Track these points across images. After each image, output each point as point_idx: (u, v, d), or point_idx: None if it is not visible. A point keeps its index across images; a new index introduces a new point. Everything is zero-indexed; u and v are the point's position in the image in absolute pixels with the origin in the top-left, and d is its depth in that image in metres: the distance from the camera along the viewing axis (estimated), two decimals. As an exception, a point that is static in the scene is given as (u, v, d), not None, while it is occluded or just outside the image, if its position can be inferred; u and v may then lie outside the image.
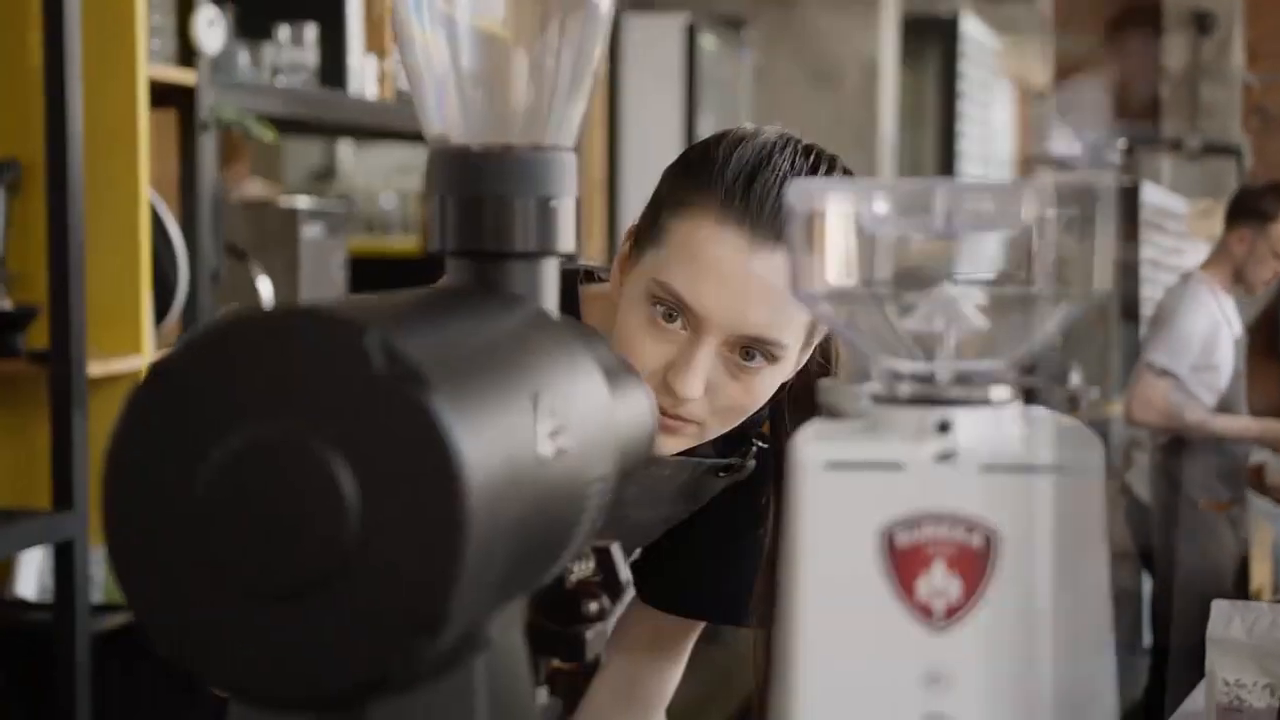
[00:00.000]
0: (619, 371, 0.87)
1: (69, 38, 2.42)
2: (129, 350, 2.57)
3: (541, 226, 0.83)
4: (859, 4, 5.59)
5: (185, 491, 0.62)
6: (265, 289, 3.00)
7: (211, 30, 2.73)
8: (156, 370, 0.63)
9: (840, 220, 0.72)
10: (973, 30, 7.59)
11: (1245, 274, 4.30)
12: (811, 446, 0.70)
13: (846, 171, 1.28)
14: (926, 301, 0.73)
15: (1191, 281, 4.36)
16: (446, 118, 0.84)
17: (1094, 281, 0.71)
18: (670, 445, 1.27)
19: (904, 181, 0.75)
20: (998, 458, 0.68)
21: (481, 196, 0.82)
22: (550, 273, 0.84)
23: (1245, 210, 4.27)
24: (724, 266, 1.21)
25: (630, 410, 0.86)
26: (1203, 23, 9.50)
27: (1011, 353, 0.72)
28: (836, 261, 0.73)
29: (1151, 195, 7.23)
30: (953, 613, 0.67)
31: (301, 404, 0.62)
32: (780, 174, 1.23)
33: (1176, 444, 4.27)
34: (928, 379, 0.72)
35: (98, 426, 2.47)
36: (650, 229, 1.27)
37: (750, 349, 1.23)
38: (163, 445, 0.63)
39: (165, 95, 2.71)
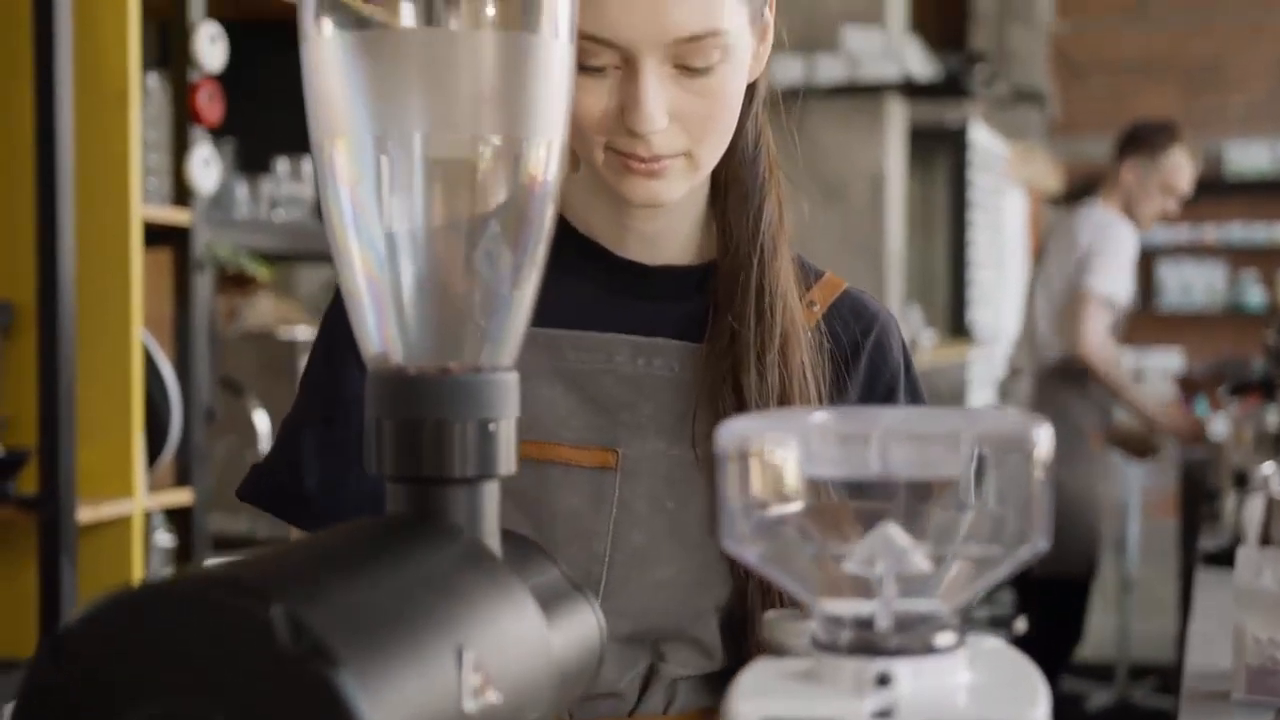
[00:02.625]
0: (562, 594, 0.84)
1: (62, 179, 2.43)
2: (120, 494, 2.56)
3: (481, 451, 0.81)
4: (865, 118, 5.62)
5: (82, 777, 0.60)
6: (262, 423, 2.98)
7: (207, 169, 2.74)
8: (57, 643, 0.61)
9: (772, 461, 0.70)
10: (981, 138, 7.63)
11: (1134, 207, 4.45)
12: (749, 702, 0.67)
13: None
14: (865, 543, 0.71)
15: (1099, 208, 4.48)
16: (385, 337, 0.83)
17: (1036, 525, 0.69)
18: (668, 190, 1.16)
19: (843, 417, 0.73)
20: (939, 715, 0.66)
21: (419, 420, 0.80)
22: (491, 497, 0.82)
23: (1138, 142, 4.43)
24: None
25: (572, 636, 0.83)
26: None
27: (954, 598, 0.69)
28: (768, 503, 0.71)
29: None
30: None
31: (206, 680, 0.60)
32: None
33: (1064, 373, 4.29)
34: (868, 624, 0.69)
35: (88, 573, 2.44)
36: None
37: (692, 54, 1.11)
38: (61, 726, 0.61)
39: (161, 234, 2.71)
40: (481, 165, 0.80)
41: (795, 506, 0.71)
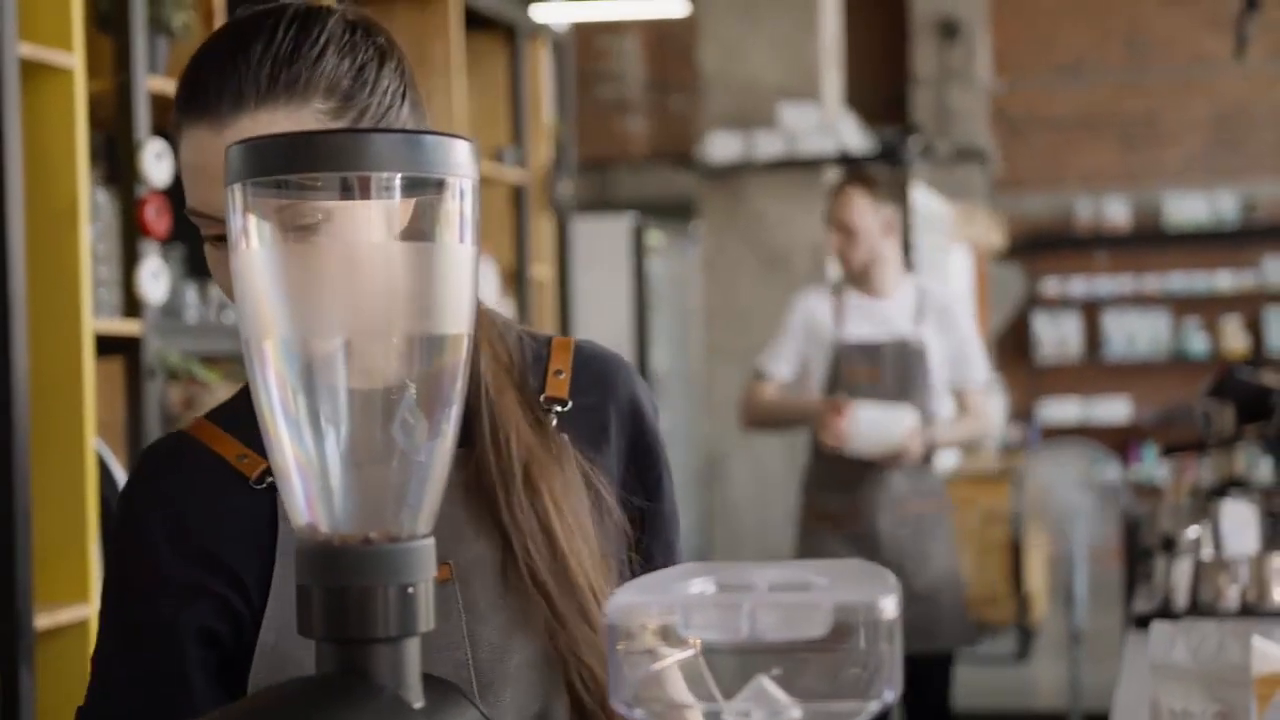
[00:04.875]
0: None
1: (14, 294, 2.51)
2: (76, 599, 2.62)
3: (402, 612, 0.89)
4: (805, 190, 5.75)
5: None
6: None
7: (156, 281, 2.82)
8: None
9: (656, 628, 0.79)
10: (923, 200, 7.78)
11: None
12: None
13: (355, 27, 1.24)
14: (742, 695, 0.80)
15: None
16: (312, 511, 0.91)
17: (891, 681, 0.78)
18: None
19: (719, 588, 0.82)
20: None
21: (345, 586, 0.89)
22: (412, 652, 0.91)
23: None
24: (192, 164, 1.20)
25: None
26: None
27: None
28: (652, 664, 0.79)
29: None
30: None
31: None
32: (232, 36, 1.22)
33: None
34: (745, 768, 0.78)
35: (45, 679, 2.50)
36: None
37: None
38: None
39: (111, 344, 2.79)
40: (396, 357, 0.89)
41: (675, 664, 0.80)
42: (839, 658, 0.78)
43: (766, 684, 0.79)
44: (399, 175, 0.88)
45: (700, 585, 0.81)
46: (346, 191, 0.89)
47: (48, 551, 2.59)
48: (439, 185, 0.90)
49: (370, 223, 0.89)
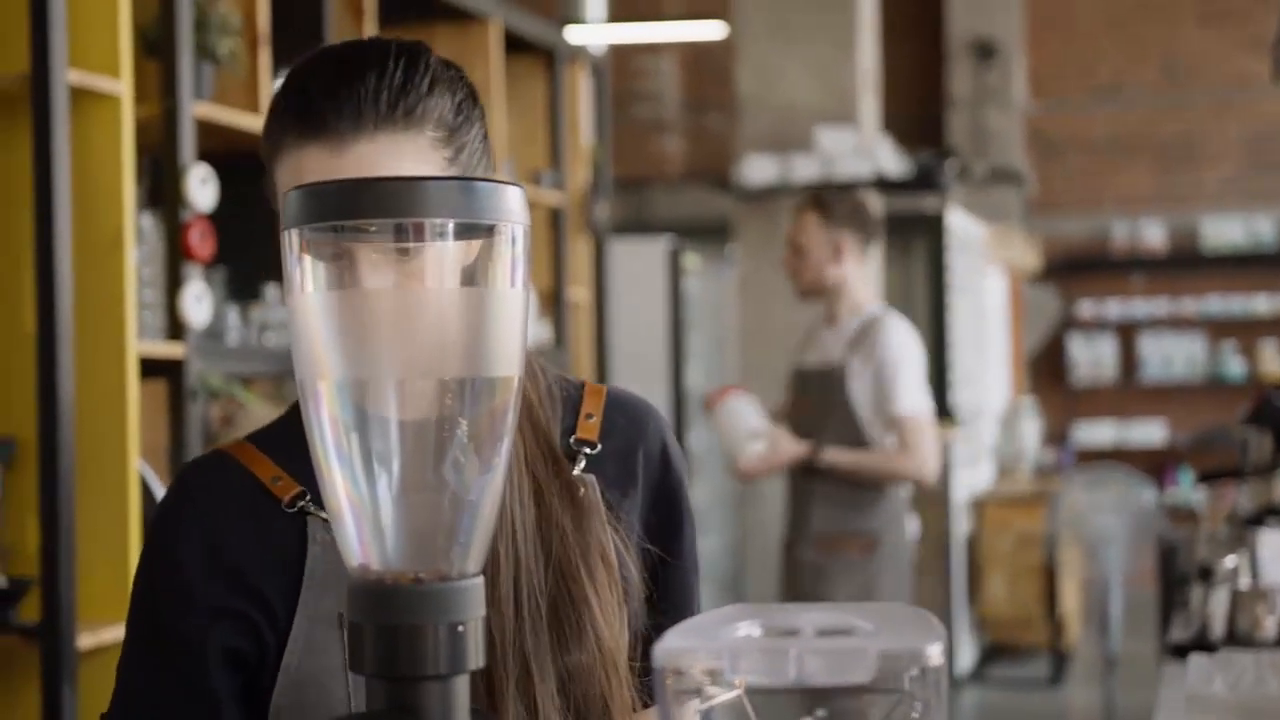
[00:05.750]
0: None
1: (62, 318, 2.54)
2: (119, 619, 2.64)
3: (452, 650, 0.91)
4: (841, 211, 5.74)
5: None
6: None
7: (199, 304, 2.85)
8: None
9: (703, 674, 0.80)
10: (959, 222, 7.77)
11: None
12: None
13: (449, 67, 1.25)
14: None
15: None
16: (365, 551, 0.93)
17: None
18: None
19: (766, 635, 0.84)
20: None
21: (395, 625, 0.90)
22: (462, 689, 0.92)
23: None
24: (316, 176, 1.18)
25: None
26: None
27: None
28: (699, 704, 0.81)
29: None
30: None
31: None
32: (342, 61, 1.22)
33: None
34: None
35: (88, 698, 2.53)
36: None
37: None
38: None
39: (155, 367, 2.82)
40: (448, 399, 0.91)
41: (725, 706, 0.82)
42: (885, 702, 0.79)
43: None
44: (452, 221, 0.90)
45: (746, 629, 0.83)
46: (401, 237, 0.91)
47: (91, 571, 2.62)
48: (490, 230, 0.92)
49: (425, 268, 0.90)
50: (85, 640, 2.57)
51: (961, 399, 7.88)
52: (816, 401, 4.04)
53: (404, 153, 1.20)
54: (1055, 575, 7.31)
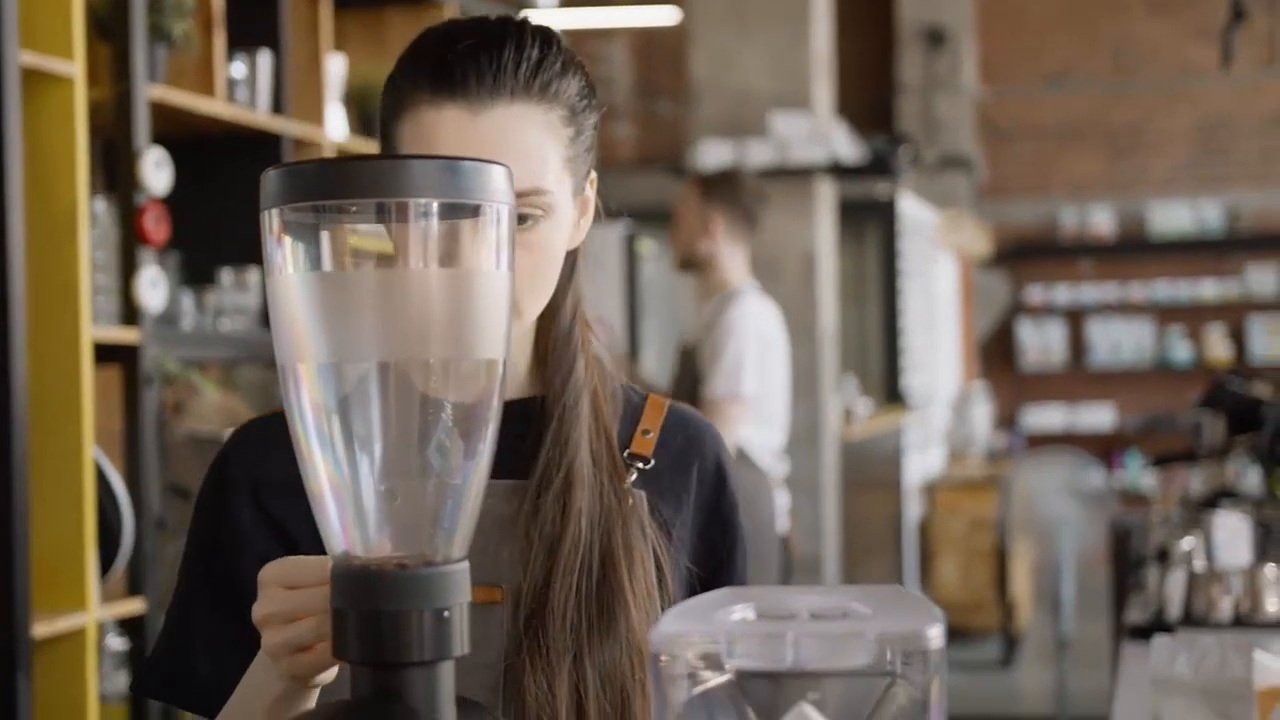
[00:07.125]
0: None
1: (14, 303, 2.50)
2: (74, 607, 2.62)
3: (437, 636, 0.89)
4: (795, 199, 5.75)
5: None
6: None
7: (154, 289, 2.82)
8: None
9: (698, 657, 0.79)
10: (910, 208, 7.79)
11: None
12: None
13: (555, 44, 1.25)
14: (783, 721, 0.80)
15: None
16: (348, 536, 0.91)
17: (937, 709, 0.78)
18: None
19: (761, 619, 0.83)
20: None
21: (379, 611, 0.89)
22: (446, 675, 0.91)
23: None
24: (448, 143, 1.18)
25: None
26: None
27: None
28: (693, 689, 0.80)
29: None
30: None
31: None
32: (482, 30, 1.23)
33: None
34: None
35: (43, 687, 2.50)
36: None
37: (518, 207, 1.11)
38: None
39: (110, 352, 2.79)
40: (432, 382, 0.89)
41: (718, 688, 0.80)
42: (881, 684, 0.78)
43: (808, 710, 0.79)
44: (436, 201, 0.88)
45: (740, 612, 0.82)
46: (383, 217, 0.89)
47: (46, 559, 2.58)
48: (475, 210, 0.90)
49: (406, 250, 0.89)
50: (40, 629, 2.53)
51: (913, 384, 7.92)
52: (680, 379, 4.12)
53: (536, 123, 1.21)
54: (1006, 558, 7.35)
